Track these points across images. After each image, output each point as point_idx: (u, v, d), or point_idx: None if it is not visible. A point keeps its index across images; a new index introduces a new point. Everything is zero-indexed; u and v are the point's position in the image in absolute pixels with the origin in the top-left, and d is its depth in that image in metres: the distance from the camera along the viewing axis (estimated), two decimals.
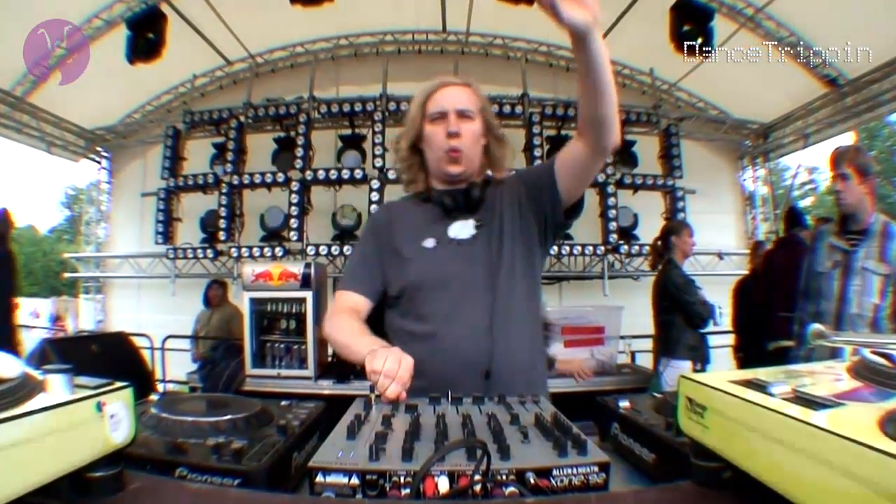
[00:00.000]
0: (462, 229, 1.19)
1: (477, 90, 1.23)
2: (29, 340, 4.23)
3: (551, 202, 1.17)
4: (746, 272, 4.52)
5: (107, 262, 6.51)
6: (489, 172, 1.28)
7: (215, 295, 4.79)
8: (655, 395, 1.08)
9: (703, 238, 5.24)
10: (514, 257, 1.16)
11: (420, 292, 1.17)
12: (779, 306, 3.34)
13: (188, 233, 5.31)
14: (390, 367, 0.89)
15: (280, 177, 4.85)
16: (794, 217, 3.85)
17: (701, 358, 3.14)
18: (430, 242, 1.18)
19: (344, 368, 3.36)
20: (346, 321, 1.14)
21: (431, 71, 5.99)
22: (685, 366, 3.09)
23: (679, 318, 3.10)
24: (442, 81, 1.22)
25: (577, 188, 1.17)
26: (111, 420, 0.58)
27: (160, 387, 4.53)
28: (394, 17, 5.73)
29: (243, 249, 4.89)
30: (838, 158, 2.14)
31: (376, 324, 1.22)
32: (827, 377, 0.59)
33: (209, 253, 5.04)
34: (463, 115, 1.18)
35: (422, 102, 1.21)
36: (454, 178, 1.21)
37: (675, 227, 3.39)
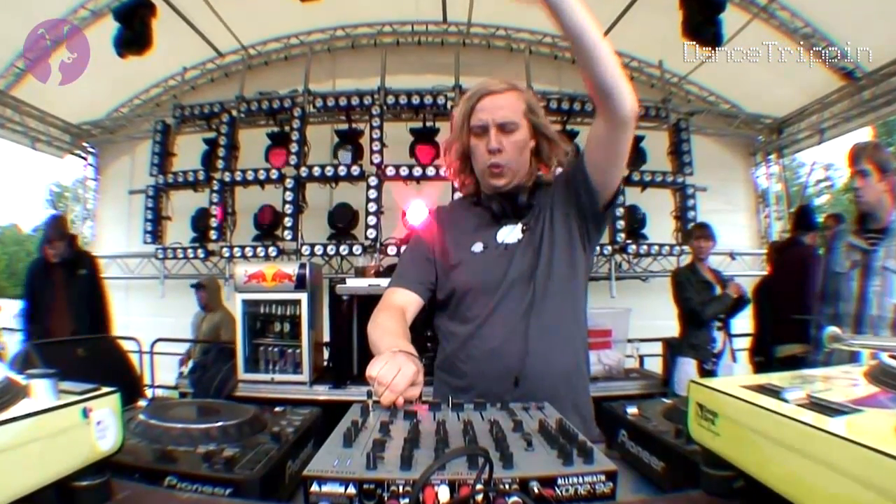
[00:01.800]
0: (510, 234, 1.25)
1: (521, 92, 1.25)
2: (12, 344, 4.24)
3: (586, 191, 1.19)
4: (765, 273, 4.53)
5: None
6: (540, 173, 1.29)
7: (201, 298, 4.76)
8: (665, 400, 1.08)
9: None
10: (554, 260, 1.20)
11: (467, 295, 1.24)
12: (782, 310, 3.36)
13: (178, 232, 5.31)
14: (384, 374, 0.90)
15: (274, 173, 4.85)
16: (801, 218, 3.85)
17: (707, 357, 3.25)
18: (478, 247, 1.25)
19: (340, 373, 3.36)
20: (384, 319, 1.19)
21: (431, 63, 6.00)
22: (689, 363, 3.23)
23: (684, 315, 3.39)
24: (483, 90, 1.23)
25: (606, 171, 1.17)
26: (98, 427, 0.58)
27: (149, 392, 4.54)
28: (392, 8, 5.72)
29: (235, 249, 4.89)
30: (857, 154, 2.14)
31: (424, 325, 1.29)
32: (843, 382, 0.59)
33: (200, 253, 5.04)
34: (504, 128, 1.20)
35: (466, 112, 1.24)
36: (501, 191, 1.25)
37: (689, 231, 3.66)
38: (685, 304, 3.37)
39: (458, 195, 1.43)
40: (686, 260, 3.98)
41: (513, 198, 1.24)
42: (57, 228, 3.74)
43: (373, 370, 0.91)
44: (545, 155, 1.28)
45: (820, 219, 4.03)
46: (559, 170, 1.31)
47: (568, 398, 1.18)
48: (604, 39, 0.98)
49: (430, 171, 4.64)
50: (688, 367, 3.27)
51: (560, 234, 1.22)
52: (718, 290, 3.38)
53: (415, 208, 4.33)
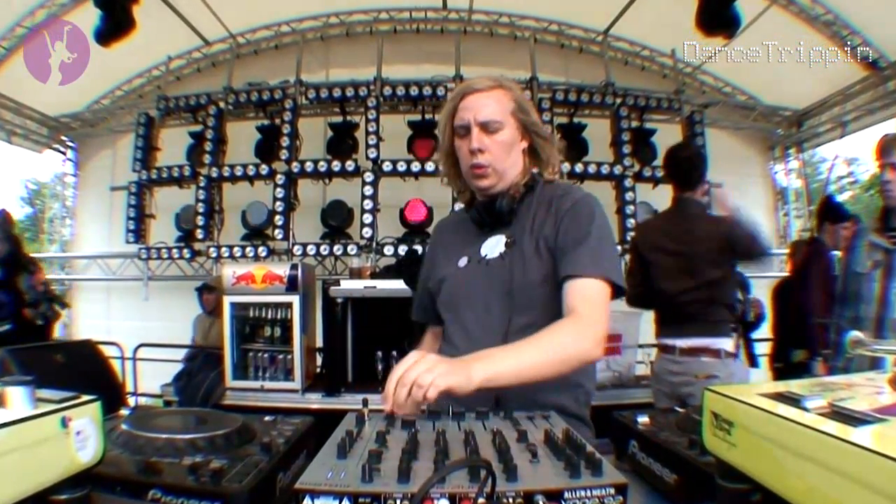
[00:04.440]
0: (493, 247, 1.24)
1: (508, 90, 1.24)
2: None
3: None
4: (786, 273, 4.51)
5: (73, 263, 6.52)
6: (537, 176, 1.27)
7: (207, 301, 4.72)
8: (678, 409, 1.08)
9: None
10: (540, 277, 1.17)
11: (450, 313, 1.27)
12: (796, 313, 3.36)
13: (162, 231, 5.32)
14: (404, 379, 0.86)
15: (264, 169, 4.85)
16: (823, 212, 3.79)
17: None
18: (463, 261, 1.26)
19: (334, 380, 3.37)
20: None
21: (430, 52, 6.00)
22: None
23: None
24: (466, 89, 1.24)
25: None
26: (77, 437, 0.58)
27: (131, 400, 4.54)
28: None
29: (223, 249, 4.89)
30: (887, 146, 2.13)
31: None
32: (867, 390, 0.59)
33: (185, 253, 5.04)
34: (487, 127, 1.19)
35: (449, 114, 1.25)
36: (488, 193, 1.24)
37: None
38: None
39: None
40: None
41: (492, 206, 1.23)
42: None
43: (398, 371, 0.88)
44: (542, 155, 1.26)
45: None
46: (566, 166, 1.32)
47: (571, 415, 1.16)
48: (536, 352, 1.00)
49: (429, 167, 4.64)
50: None
51: (543, 251, 1.19)
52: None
53: (413, 206, 4.34)
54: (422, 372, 0.85)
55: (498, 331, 1.16)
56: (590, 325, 1.05)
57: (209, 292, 4.65)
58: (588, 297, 1.09)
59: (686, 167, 2.63)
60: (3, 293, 3.52)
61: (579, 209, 1.19)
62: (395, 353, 3.34)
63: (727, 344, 2.47)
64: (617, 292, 1.14)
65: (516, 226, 1.23)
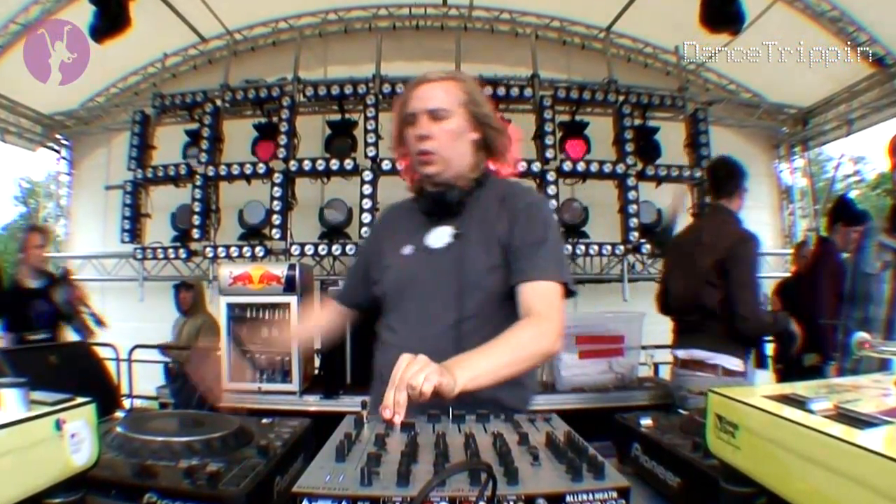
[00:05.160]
0: (439, 237, 1.28)
1: (460, 82, 1.29)
2: None
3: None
4: (789, 273, 4.52)
5: (67, 263, 6.51)
6: (488, 171, 1.33)
7: (184, 300, 4.73)
8: (681, 411, 1.08)
9: None
10: (486, 270, 1.22)
11: (393, 301, 1.31)
12: (803, 314, 3.35)
13: (158, 230, 5.31)
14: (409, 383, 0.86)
15: (261, 167, 4.85)
16: (837, 213, 3.79)
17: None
18: (408, 249, 1.30)
19: (332, 382, 3.36)
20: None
21: (430, 49, 6.00)
22: None
23: None
24: (418, 79, 1.30)
25: None
26: (72, 440, 0.58)
27: (126, 403, 4.53)
28: None
29: (220, 249, 4.89)
30: None
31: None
32: (874, 392, 0.59)
33: (181, 253, 5.03)
34: (434, 114, 1.24)
35: (400, 104, 1.30)
36: (434, 180, 1.27)
37: None
38: None
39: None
40: None
41: (441, 197, 1.27)
42: None
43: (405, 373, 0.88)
44: (495, 147, 1.30)
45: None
46: (522, 164, 1.37)
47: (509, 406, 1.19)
48: (509, 353, 1.05)
49: None
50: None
51: (490, 247, 1.23)
52: None
53: None
54: (414, 373, 0.86)
55: (444, 320, 1.21)
56: (551, 323, 1.12)
57: (187, 290, 4.68)
58: (546, 298, 1.16)
59: (721, 174, 2.66)
60: (43, 301, 3.55)
61: (534, 212, 1.25)
62: None
63: (729, 361, 2.40)
64: (567, 294, 1.21)
65: (465, 218, 1.27)
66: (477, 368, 0.97)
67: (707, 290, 2.44)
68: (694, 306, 2.49)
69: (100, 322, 4.07)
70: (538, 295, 1.16)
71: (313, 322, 1.61)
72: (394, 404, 0.84)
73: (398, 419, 0.84)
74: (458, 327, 1.20)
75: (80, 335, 3.91)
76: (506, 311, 1.19)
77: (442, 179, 1.26)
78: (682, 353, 2.54)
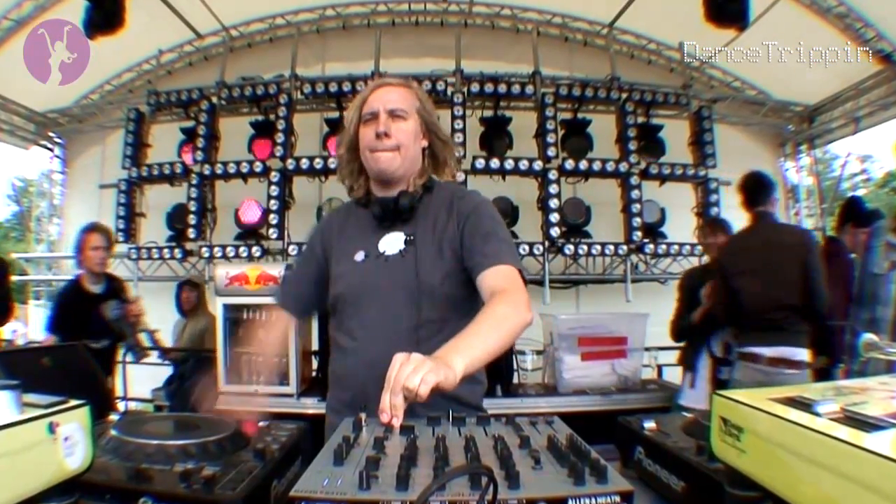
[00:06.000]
0: (392, 243, 1.33)
1: (415, 90, 1.39)
2: None
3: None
4: None
5: (60, 264, 6.52)
6: (434, 178, 1.41)
7: (187, 299, 4.69)
8: (685, 414, 1.08)
9: None
10: (441, 275, 1.29)
11: (348, 306, 1.34)
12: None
13: (153, 230, 5.31)
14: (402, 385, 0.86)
15: (258, 166, 4.85)
16: (847, 213, 3.75)
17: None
18: (360, 255, 1.35)
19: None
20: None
21: (430, 46, 5.99)
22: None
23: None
24: (377, 83, 1.39)
25: None
26: (65, 443, 0.58)
27: (121, 405, 4.53)
28: None
29: (216, 249, 4.89)
30: None
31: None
32: (881, 394, 0.59)
33: (177, 253, 5.03)
34: (394, 114, 1.32)
35: (358, 105, 1.37)
36: (386, 178, 1.34)
37: (701, 228, 3.54)
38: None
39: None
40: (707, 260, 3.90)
41: (395, 202, 1.32)
42: None
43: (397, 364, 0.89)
44: (440, 157, 1.40)
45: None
46: (461, 176, 1.42)
47: (471, 406, 1.28)
48: (494, 331, 1.08)
49: None
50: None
51: (444, 251, 1.30)
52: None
53: None
54: (408, 374, 0.86)
55: (405, 324, 1.26)
56: (522, 295, 1.17)
57: (191, 289, 4.63)
58: (509, 277, 1.21)
59: (750, 184, 2.93)
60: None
61: (481, 211, 1.34)
62: None
63: (807, 355, 2.63)
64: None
65: (415, 223, 1.33)
66: (471, 351, 1.00)
67: (788, 288, 2.65)
68: (775, 305, 2.67)
69: (155, 343, 3.96)
70: (500, 276, 1.21)
71: (275, 334, 1.64)
72: (391, 408, 0.84)
73: (397, 422, 0.85)
74: (417, 331, 1.25)
75: (133, 355, 3.84)
76: (461, 313, 1.24)
77: (396, 177, 1.33)
78: (769, 351, 2.65)
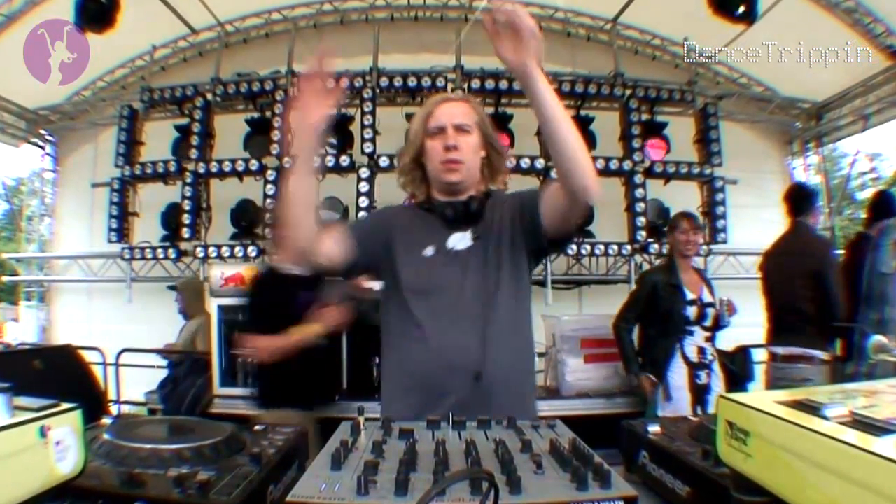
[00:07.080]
0: (460, 241, 1.44)
1: (476, 105, 1.53)
2: None
3: (533, 230, 1.42)
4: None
5: (52, 264, 6.52)
6: (491, 186, 1.54)
7: (177, 302, 4.70)
8: (691, 417, 1.08)
9: (745, 236, 5.25)
10: (506, 270, 1.42)
11: (416, 296, 1.41)
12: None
13: (146, 229, 5.31)
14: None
15: (253, 164, 4.85)
16: (878, 207, 3.63)
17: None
18: (429, 251, 1.44)
19: (329, 388, 3.36)
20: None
21: (429, 41, 6.00)
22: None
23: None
24: (442, 97, 1.55)
25: (559, 228, 1.40)
26: (57, 447, 0.58)
27: (114, 409, 4.53)
28: None
29: (211, 249, 4.89)
30: None
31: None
32: (890, 397, 0.59)
33: (171, 253, 5.03)
34: (460, 128, 1.43)
35: (423, 118, 1.48)
36: (453, 188, 1.46)
37: (669, 222, 3.56)
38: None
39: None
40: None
41: (465, 204, 1.45)
42: None
43: None
44: (494, 167, 1.52)
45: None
46: (526, 161, 1.52)
47: (527, 398, 1.44)
48: (568, 120, 1.23)
49: None
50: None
51: (510, 247, 1.43)
52: (690, 296, 3.04)
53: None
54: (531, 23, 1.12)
55: (472, 316, 1.36)
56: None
57: (177, 293, 4.59)
58: None
59: (795, 195, 3.22)
60: (307, 293, 3.33)
61: (515, 193, 1.55)
62: None
63: (822, 355, 2.80)
64: None
65: (480, 225, 1.45)
66: (544, 84, 1.19)
67: (802, 294, 2.91)
68: (791, 309, 2.97)
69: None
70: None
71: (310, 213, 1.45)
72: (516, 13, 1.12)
73: None
74: (484, 321, 1.35)
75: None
76: (525, 307, 1.45)
77: (461, 188, 1.45)
78: (782, 350, 2.90)
